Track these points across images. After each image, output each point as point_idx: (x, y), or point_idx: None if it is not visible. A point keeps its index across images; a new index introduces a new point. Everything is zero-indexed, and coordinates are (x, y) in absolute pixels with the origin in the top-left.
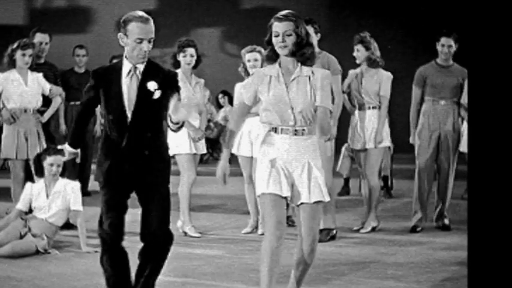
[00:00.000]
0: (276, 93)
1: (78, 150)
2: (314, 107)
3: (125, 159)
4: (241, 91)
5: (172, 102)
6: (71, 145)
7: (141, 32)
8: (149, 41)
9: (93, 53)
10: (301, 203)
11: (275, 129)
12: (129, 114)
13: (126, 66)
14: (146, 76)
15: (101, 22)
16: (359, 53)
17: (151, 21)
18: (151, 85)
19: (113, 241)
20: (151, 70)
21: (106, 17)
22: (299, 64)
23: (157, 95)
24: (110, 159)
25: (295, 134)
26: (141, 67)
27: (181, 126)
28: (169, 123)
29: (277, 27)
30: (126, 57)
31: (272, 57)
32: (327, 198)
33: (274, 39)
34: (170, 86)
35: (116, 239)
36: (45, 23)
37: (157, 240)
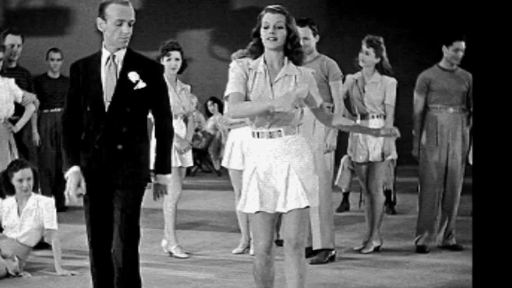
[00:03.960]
0: (259, 91)
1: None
2: (299, 108)
3: (98, 156)
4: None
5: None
6: (72, 162)
7: (121, 14)
8: (129, 24)
9: (70, 57)
10: (281, 213)
11: (253, 134)
12: (106, 106)
13: (105, 54)
14: (127, 65)
15: (79, 24)
16: (368, 56)
17: (130, 4)
18: (133, 75)
19: (98, 252)
20: (133, 59)
21: (84, 19)
22: (286, 62)
23: (139, 86)
24: (86, 157)
25: (271, 137)
26: (120, 55)
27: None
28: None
29: (268, 18)
30: (104, 45)
31: (256, 50)
32: (304, 204)
33: (263, 31)
34: (154, 78)
35: (102, 250)
36: (19, 24)
37: (118, 266)
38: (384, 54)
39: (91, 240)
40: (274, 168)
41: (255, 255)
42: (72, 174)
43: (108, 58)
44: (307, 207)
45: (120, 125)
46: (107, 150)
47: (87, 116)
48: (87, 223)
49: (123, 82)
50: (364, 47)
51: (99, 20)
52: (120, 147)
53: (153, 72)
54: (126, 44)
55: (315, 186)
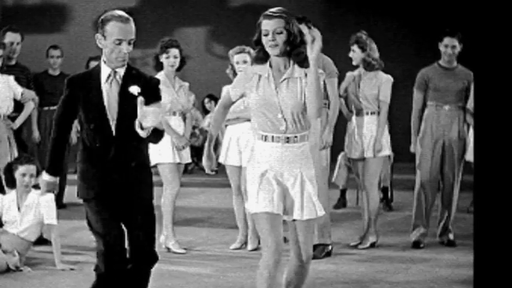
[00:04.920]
0: (264, 95)
1: (57, 180)
2: (305, 111)
3: (113, 170)
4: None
5: (140, 107)
6: (50, 172)
7: (120, 33)
8: (129, 43)
9: (69, 54)
10: (293, 220)
11: (265, 138)
12: (112, 123)
13: (105, 70)
14: (127, 81)
15: (78, 21)
16: (355, 54)
17: (132, 21)
18: (134, 89)
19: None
20: (132, 75)
21: (83, 15)
22: (291, 64)
23: (140, 99)
24: (97, 172)
25: (287, 142)
26: (121, 71)
27: (155, 134)
28: (137, 129)
29: (267, 25)
30: (104, 61)
31: (262, 58)
32: (320, 213)
33: (263, 39)
34: (152, 94)
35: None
36: (16, 21)
37: (141, 262)
38: (369, 47)
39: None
40: (286, 173)
41: (262, 256)
42: (46, 182)
43: (109, 75)
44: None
45: (131, 140)
46: (121, 167)
47: (90, 133)
48: (95, 225)
49: (125, 97)
50: (350, 46)
51: (98, 36)
52: (133, 164)
53: (150, 87)
54: (125, 63)
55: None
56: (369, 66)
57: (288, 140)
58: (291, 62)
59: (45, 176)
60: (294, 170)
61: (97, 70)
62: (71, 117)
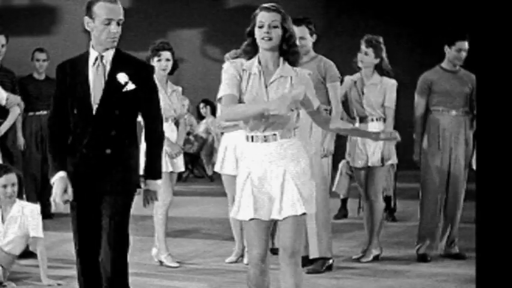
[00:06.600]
0: (254, 95)
1: (66, 174)
2: (295, 111)
3: (85, 160)
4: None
5: None
6: (58, 167)
7: (109, 12)
8: (118, 23)
9: (56, 58)
10: (277, 220)
11: (247, 137)
12: (93, 108)
13: (92, 55)
14: (116, 66)
15: (65, 23)
16: (367, 57)
17: (119, 2)
18: (122, 77)
19: (86, 261)
20: (122, 60)
21: (71, 18)
22: (281, 62)
23: (129, 87)
24: (74, 159)
25: (266, 141)
26: (108, 56)
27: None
28: None
29: (263, 17)
30: (92, 46)
31: (250, 51)
32: (300, 211)
33: (257, 31)
34: (144, 79)
35: (90, 258)
36: (2, 23)
37: (106, 275)
38: (384, 54)
39: (78, 248)
40: (269, 173)
41: (249, 264)
42: (59, 180)
43: (96, 59)
44: (304, 214)
45: (109, 128)
46: (95, 154)
47: (74, 119)
48: (74, 230)
49: (111, 83)
50: (363, 47)
51: (86, 19)
52: (108, 151)
53: (142, 73)
54: (115, 44)
55: (312, 192)
56: (382, 71)
57: (265, 139)
58: (281, 59)
59: (55, 177)
60: (276, 169)
61: (86, 55)
62: (66, 104)
